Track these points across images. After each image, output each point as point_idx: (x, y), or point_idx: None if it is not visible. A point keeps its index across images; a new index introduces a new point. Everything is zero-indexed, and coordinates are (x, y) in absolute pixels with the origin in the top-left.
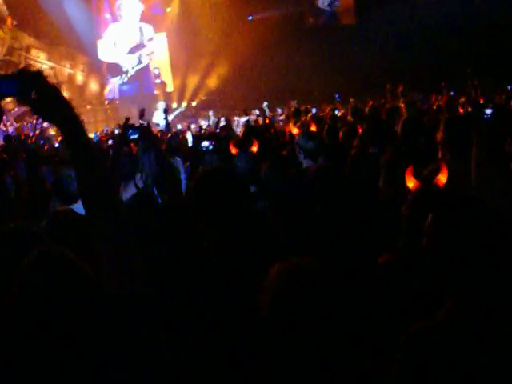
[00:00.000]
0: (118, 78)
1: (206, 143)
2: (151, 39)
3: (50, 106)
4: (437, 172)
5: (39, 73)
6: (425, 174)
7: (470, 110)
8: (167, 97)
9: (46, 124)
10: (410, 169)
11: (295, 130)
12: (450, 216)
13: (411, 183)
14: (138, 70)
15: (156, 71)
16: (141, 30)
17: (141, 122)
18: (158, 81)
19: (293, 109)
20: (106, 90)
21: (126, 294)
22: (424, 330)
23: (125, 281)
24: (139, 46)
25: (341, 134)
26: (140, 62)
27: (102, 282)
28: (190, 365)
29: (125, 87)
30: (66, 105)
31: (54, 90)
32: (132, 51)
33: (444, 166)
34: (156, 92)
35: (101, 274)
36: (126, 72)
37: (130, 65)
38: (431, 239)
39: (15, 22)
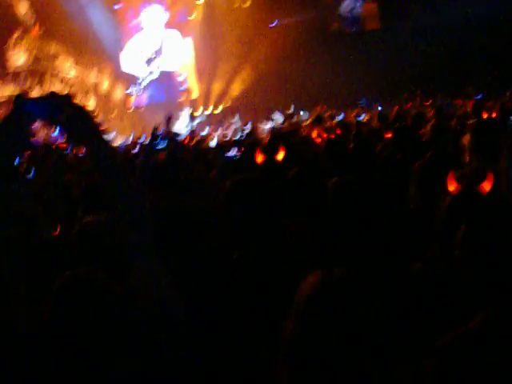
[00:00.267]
0: (134, 87)
1: (232, 153)
2: (176, 44)
3: (79, 128)
4: (482, 179)
5: (68, 96)
6: (467, 178)
7: (494, 115)
8: (192, 103)
9: None
10: (452, 172)
11: (325, 135)
12: (488, 224)
13: (452, 186)
14: (164, 76)
15: (181, 78)
16: (163, 38)
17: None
18: (182, 88)
19: (316, 115)
20: (132, 99)
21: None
22: (458, 339)
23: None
24: (157, 54)
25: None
26: (151, 73)
27: (130, 295)
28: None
29: (150, 94)
30: (94, 127)
31: (83, 113)
32: (149, 61)
33: (490, 174)
34: (181, 99)
35: (130, 287)
36: (140, 82)
37: (144, 74)
38: (465, 247)
39: (41, 31)
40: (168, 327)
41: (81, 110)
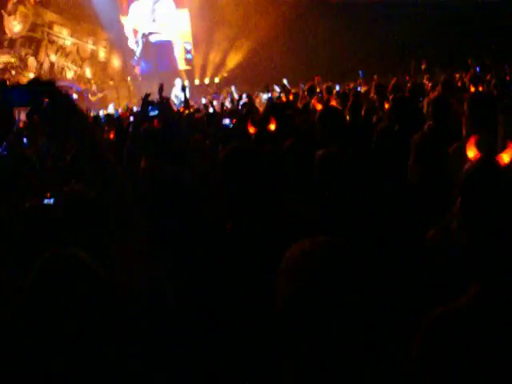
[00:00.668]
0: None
1: (226, 121)
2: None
3: (62, 115)
4: (502, 148)
5: (51, 82)
6: (488, 145)
7: (492, 88)
8: (189, 73)
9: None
10: (473, 138)
11: (319, 106)
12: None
13: (472, 153)
14: (162, 46)
15: (188, 46)
16: (156, 6)
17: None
18: (189, 56)
19: (309, 86)
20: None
21: (138, 290)
22: (446, 314)
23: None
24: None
25: (363, 111)
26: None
27: (113, 279)
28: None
29: (144, 64)
30: (78, 115)
31: (67, 100)
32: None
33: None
34: (188, 67)
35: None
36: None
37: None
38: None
39: None
40: (155, 310)
41: (66, 98)
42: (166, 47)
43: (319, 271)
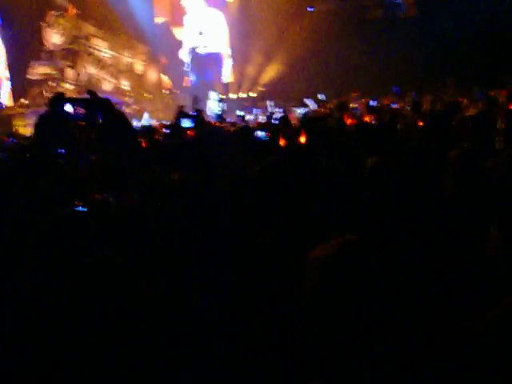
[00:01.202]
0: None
1: (260, 133)
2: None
3: (115, 132)
4: None
5: (107, 100)
6: None
7: None
8: (225, 87)
9: None
10: None
11: (349, 121)
12: None
13: None
14: (209, 58)
15: (228, 60)
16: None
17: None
18: (227, 70)
19: (339, 101)
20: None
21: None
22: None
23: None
24: (201, 34)
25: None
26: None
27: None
28: None
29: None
30: (130, 132)
31: (121, 117)
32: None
33: None
34: (231, 80)
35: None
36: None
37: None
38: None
39: (76, 11)
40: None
41: (119, 115)
42: (213, 60)
43: (345, 270)
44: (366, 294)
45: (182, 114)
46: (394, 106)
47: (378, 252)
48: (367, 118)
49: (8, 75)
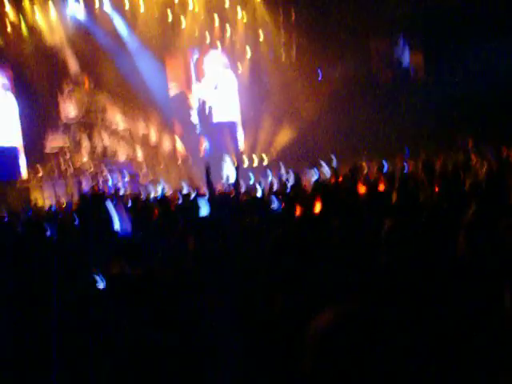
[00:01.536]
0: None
1: (275, 205)
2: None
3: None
4: None
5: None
6: None
7: None
8: (238, 154)
9: (120, 184)
10: None
11: (363, 189)
12: None
13: None
14: (219, 127)
15: (240, 131)
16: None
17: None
18: (240, 139)
19: (352, 168)
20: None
21: None
22: None
23: None
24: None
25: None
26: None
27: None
28: None
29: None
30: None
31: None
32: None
33: None
34: (243, 147)
35: None
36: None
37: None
38: None
39: (92, 84)
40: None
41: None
42: (227, 128)
43: (339, 342)
44: (360, 365)
45: (208, 173)
46: (406, 167)
47: (375, 322)
48: (381, 186)
49: (23, 147)
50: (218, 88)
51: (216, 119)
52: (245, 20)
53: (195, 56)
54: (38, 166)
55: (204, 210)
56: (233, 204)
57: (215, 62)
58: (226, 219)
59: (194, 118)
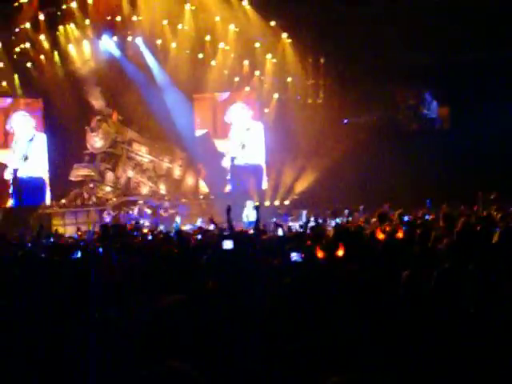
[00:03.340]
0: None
1: (295, 256)
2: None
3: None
4: None
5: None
6: None
7: None
8: (260, 194)
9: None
10: None
11: (381, 236)
12: None
13: None
14: (244, 169)
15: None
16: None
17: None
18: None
19: (380, 213)
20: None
21: None
22: None
23: None
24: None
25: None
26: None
27: None
28: None
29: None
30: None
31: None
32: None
33: None
34: (265, 188)
35: None
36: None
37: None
38: None
39: (120, 117)
40: None
41: None
42: (252, 171)
43: None
44: None
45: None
46: (427, 217)
47: None
48: (400, 234)
49: (48, 179)
50: (245, 146)
51: (241, 161)
52: (274, 61)
53: (223, 97)
54: (61, 199)
55: (228, 243)
56: (253, 242)
57: (240, 114)
58: (248, 255)
59: (224, 163)
